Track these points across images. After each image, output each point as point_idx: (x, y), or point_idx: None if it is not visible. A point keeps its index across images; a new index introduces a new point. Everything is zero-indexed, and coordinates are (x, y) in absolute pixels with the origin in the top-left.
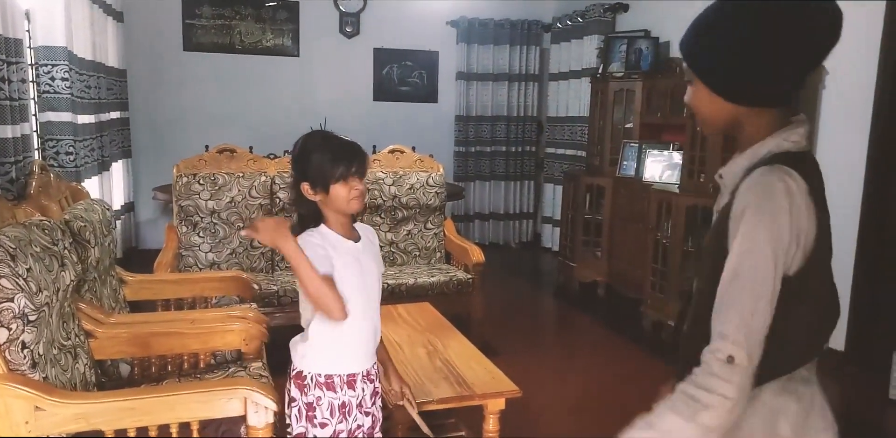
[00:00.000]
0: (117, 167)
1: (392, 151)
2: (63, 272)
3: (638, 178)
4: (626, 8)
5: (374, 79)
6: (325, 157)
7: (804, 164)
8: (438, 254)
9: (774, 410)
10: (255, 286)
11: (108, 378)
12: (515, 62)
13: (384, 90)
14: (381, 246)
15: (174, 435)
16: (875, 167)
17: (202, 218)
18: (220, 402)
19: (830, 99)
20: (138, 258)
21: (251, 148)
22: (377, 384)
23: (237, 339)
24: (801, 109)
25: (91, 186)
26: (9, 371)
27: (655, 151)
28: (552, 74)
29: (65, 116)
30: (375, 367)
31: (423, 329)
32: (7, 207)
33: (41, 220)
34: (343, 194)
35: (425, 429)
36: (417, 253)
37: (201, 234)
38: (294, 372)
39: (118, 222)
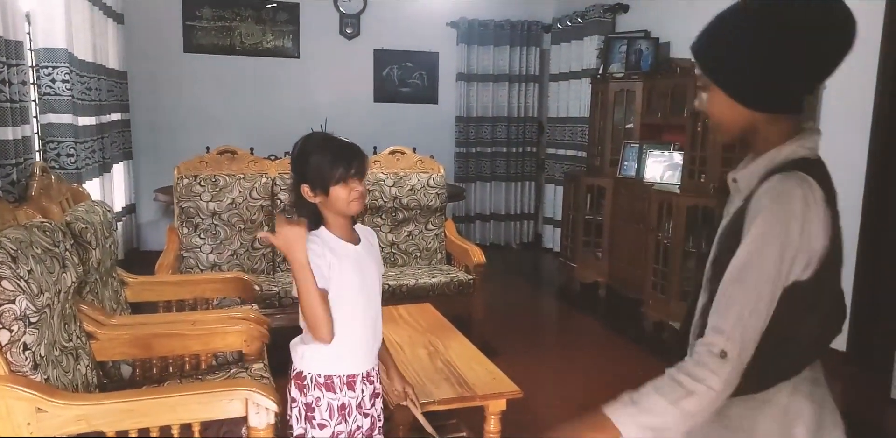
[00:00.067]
0: (118, 169)
1: (393, 153)
2: (64, 274)
3: (638, 178)
4: (625, 8)
5: (375, 80)
6: (324, 159)
7: (819, 171)
8: (439, 255)
9: (790, 412)
10: (257, 288)
11: (109, 380)
12: (516, 63)
13: (385, 91)
14: (382, 247)
15: (175, 436)
16: (875, 167)
17: (203, 219)
18: (222, 403)
19: (830, 99)
20: (140, 260)
21: (252, 149)
22: (377, 385)
23: (238, 340)
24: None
25: (92, 187)
26: (10, 373)
27: (656, 152)
28: (552, 74)
29: (65, 118)
30: (376, 369)
31: (424, 330)
32: (8, 209)
33: (42, 222)
34: (343, 195)
35: (429, 429)
36: (418, 254)
37: (202, 235)
38: (294, 373)
39: (119, 224)
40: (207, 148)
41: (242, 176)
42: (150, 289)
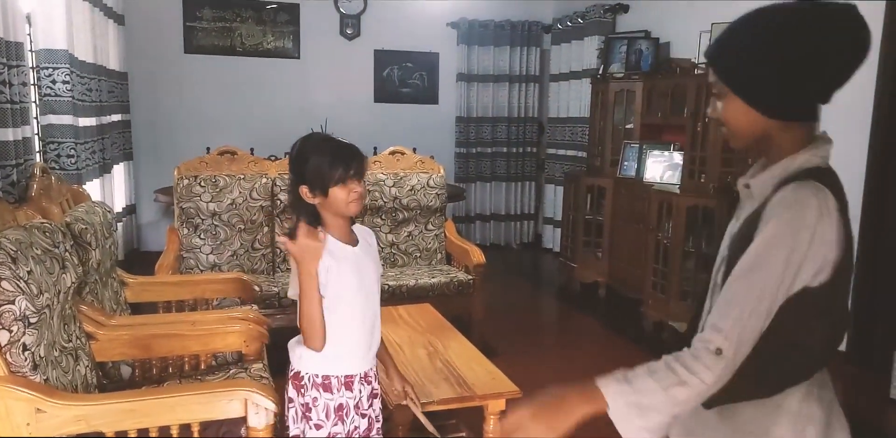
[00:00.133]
0: (118, 170)
1: (393, 153)
2: (64, 275)
3: (638, 178)
4: (626, 9)
5: (375, 80)
6: (323, 160)
7: (832, 180)
8: (439, 255)
9: (802, 417)
10: (256, 288)
11: (109, 380)
12: (516, 63)
13: (385, 92)
14: (382, 248)
15: (175, 437)
16: (875, 168)
17: (203, 220)
18: (221, 403)
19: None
20: (140, 260)
21: (252, 150)
22: (375, 386)
23: (238, 341)
24: None
25: (92, 188)
26: (10, 373)
27: (656, 152)
28: (553, 74)
29: (66, 119)
30: (374, 369)
31: (424, 330)
32: (8, 209)
33: (42, 222)
34: (342, 196)
35: (430, 428)
36: (418, 254)
37: (202, 236)
38: (292, 373)
39: (120, 225)
40: (208, 149)
41: (242, 177)
42: (149, 290)
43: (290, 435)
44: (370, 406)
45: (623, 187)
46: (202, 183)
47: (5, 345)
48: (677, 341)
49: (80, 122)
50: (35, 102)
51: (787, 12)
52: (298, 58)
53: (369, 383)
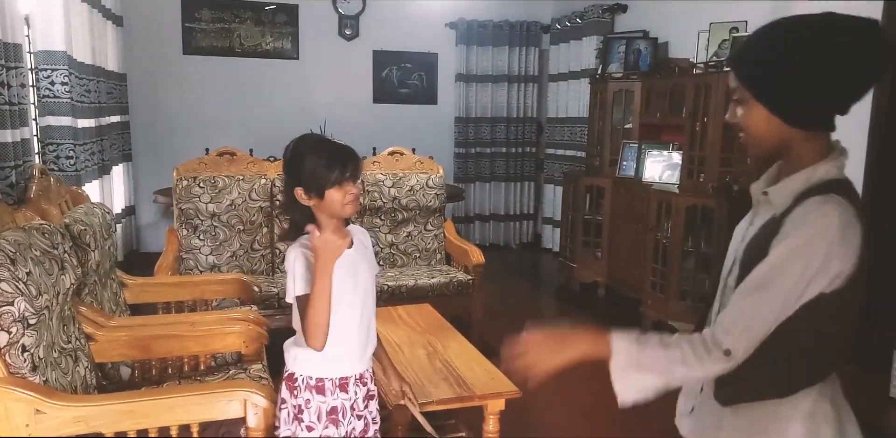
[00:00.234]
0: (118, 171)
1: (392, 153)
2: (63, 276)
3: (637, 178)
4: (624, 9)
5: (374, 81)
6: (319, 162)
7: (850, 191)
8: (438, 255)
9: (817, 417)
10: (256, 289)
11: (108, 381)
12: (515, 63)
13: (384, 92)
14: (381, 248)
15: (174, 437)
16: (874, 168)
17: (202, 221)
18: (220, 404)
19: None
20: (139, 261)
21: (251, 151)
22: (371, 387)
23: (237, 341)
24: None
25: (92, 189)
26: (9, 375)
27: (655, 152)
28: (551, 75)
29: (65, 121)
30: (370, 370)
31: (423, 331)
32: (7, 211)
33: (41, 224)
34: (338, 198)
35: (428, 428)
36: (417, 255)
37: (202, 237)
38: (286, 374)
39: (119, 226)
40: (207, 149)
41: (241, 177)
42: (149, 290)
43: (281, 437)
44: (366, 407)
45: (622, 187)
46: (201, 184)
47: (4, 346)
48: None
49: (79, 123)
50: (34, 103)
51: (814, 22)
52: (297, 59)
53: (365, 384)
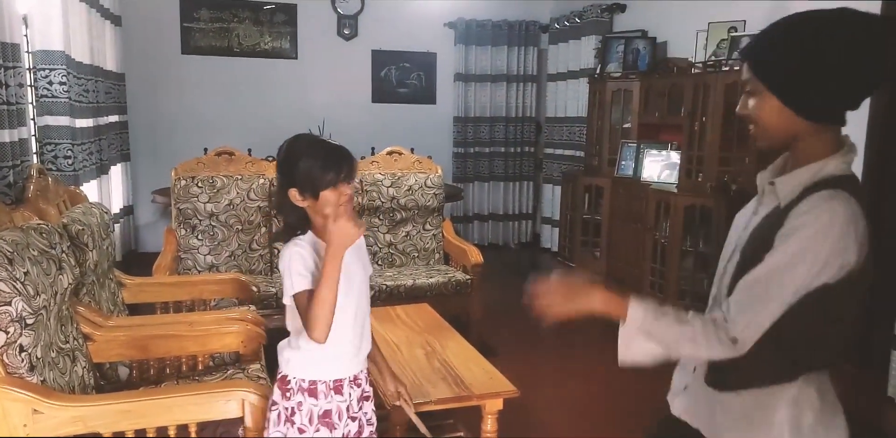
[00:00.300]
0: (116, 171)
1: (390, 153)
2: (61, 276)
3: (636, 178)
4: (623, 8)
5: (373, 81)
6: (314, 163)
7: (857, 187)
8: (437, 255)
9: (801, 402)
10: (254, 289)
11: (106, 381)
12: (513, 63)
13: (382, 92)
14: (379, 248)
15: (172, 437)
16: (871, 167)
17: (201, 221)
18: (218, 404)
19: None
20: (137, 261)
21: (249, 151)
22: (366, 388)
23: (235, 341)
24: None
25: (90, 189)
26: (7, 375)
27: (653, 151)
28: (550, 74)
29: (63, 120)
30: (364, 372)
31: (422, 330)
32: (5, 211)
33: (39, 224)
34: (333, 199)
35: (423, 429)
36: (416, 254)
37: (200, 237)
38: (279, 376)
39: (117, 226)
40: (205, 149)
41: (240, 177)
42: (147, 290)
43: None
44: (360, 408)
45: (621, 187)
46: (200, 184)
47: (2, 346)
48: None
49: (77, 123)
50: (32, 103)
51: (829, 16)
52: (296, 58)
53: (359, 386)
